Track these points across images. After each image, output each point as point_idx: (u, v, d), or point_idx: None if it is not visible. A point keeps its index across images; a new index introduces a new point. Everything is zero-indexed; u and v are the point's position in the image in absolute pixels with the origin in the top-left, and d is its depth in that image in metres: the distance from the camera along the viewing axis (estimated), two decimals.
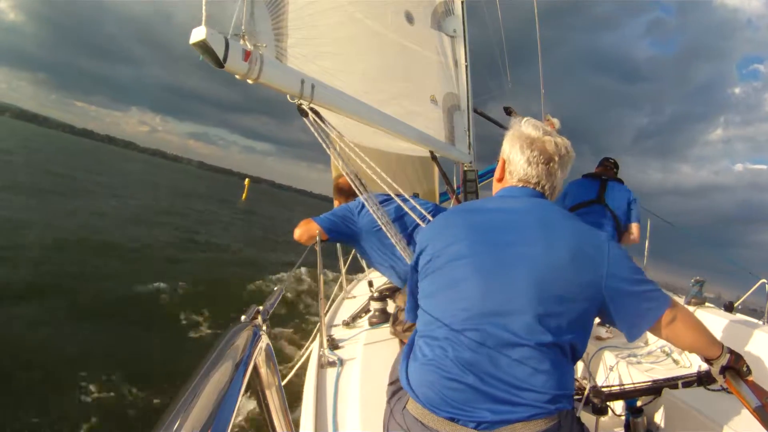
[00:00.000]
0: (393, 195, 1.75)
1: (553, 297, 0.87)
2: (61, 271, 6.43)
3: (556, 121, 3.15)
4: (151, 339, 4.90)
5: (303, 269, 8.53)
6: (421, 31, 2.49)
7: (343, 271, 3.42)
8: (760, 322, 1.99)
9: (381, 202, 1.82)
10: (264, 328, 0.77)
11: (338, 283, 3.43)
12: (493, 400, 0.85)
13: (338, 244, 3.13)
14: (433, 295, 0.99)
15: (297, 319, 6.28)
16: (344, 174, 1.70)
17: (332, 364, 1.82)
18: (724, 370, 1.03)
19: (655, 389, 1.47)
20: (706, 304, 2.19)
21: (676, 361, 1.97)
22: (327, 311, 2.75)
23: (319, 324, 1.89)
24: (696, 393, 1.44)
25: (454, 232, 1.00)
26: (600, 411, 1.37)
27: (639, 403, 1.47)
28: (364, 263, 3.50)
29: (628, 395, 1.47)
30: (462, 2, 2.78)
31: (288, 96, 1.49)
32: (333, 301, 3.13)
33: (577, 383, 1.41)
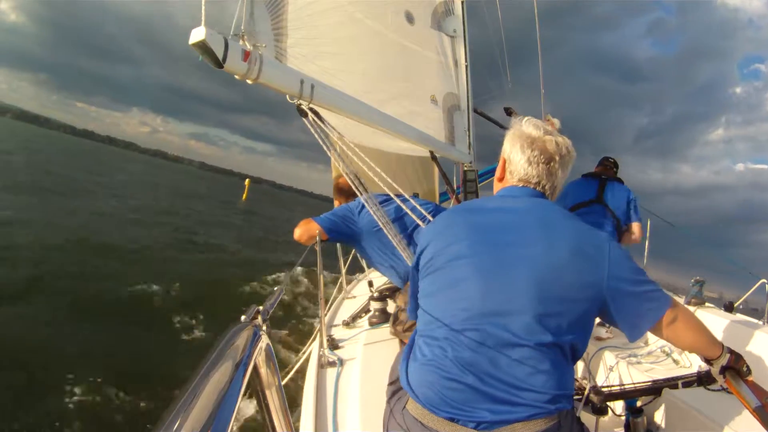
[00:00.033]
0: (393, 195, 1.75)
1: (554, 297, 0.87)
2: (61, 271, 6.42)
3: (556, 121, 3.15)
4: (147, 340, 4.89)
5: (302, 270, 8.53)
6: (421, 31, 2.49)
7: (343, 271, 3.42)
8: (761, 322, 1.99)
9: (381, 203, 1.82)
10: (264, 328, 0.77)
11: (338, 283, 3.43)
12: (493, 400, 0.85)
13: (338, 244, 3.13)
14: (433, 294, 0.99)
15: (296, 320, 6.27)
16: (344, 174, 1.70)
17: (332, 364, 1.82)
18: (724, 370, 1.03)
19: (655, 389, 1.47)
20: (707, 304, 2.18)
21: (676, 361, 1.97)
22: (327, 311, 2.75)
23: (319, 324, 1.89)
24: (696, 393, 1.44)
25: (455, 231, 1.00)
26: (600, 411, 1.37)
27: (639, 403, 1.46)
28: (364, 263, 3.50)
29: (628, 395, 1.47)
30: (462, 2, 2.78)
31: (287, 96, 1.48)
32: (333, 301, 3.12)
33: (577, 383, 1.41)
